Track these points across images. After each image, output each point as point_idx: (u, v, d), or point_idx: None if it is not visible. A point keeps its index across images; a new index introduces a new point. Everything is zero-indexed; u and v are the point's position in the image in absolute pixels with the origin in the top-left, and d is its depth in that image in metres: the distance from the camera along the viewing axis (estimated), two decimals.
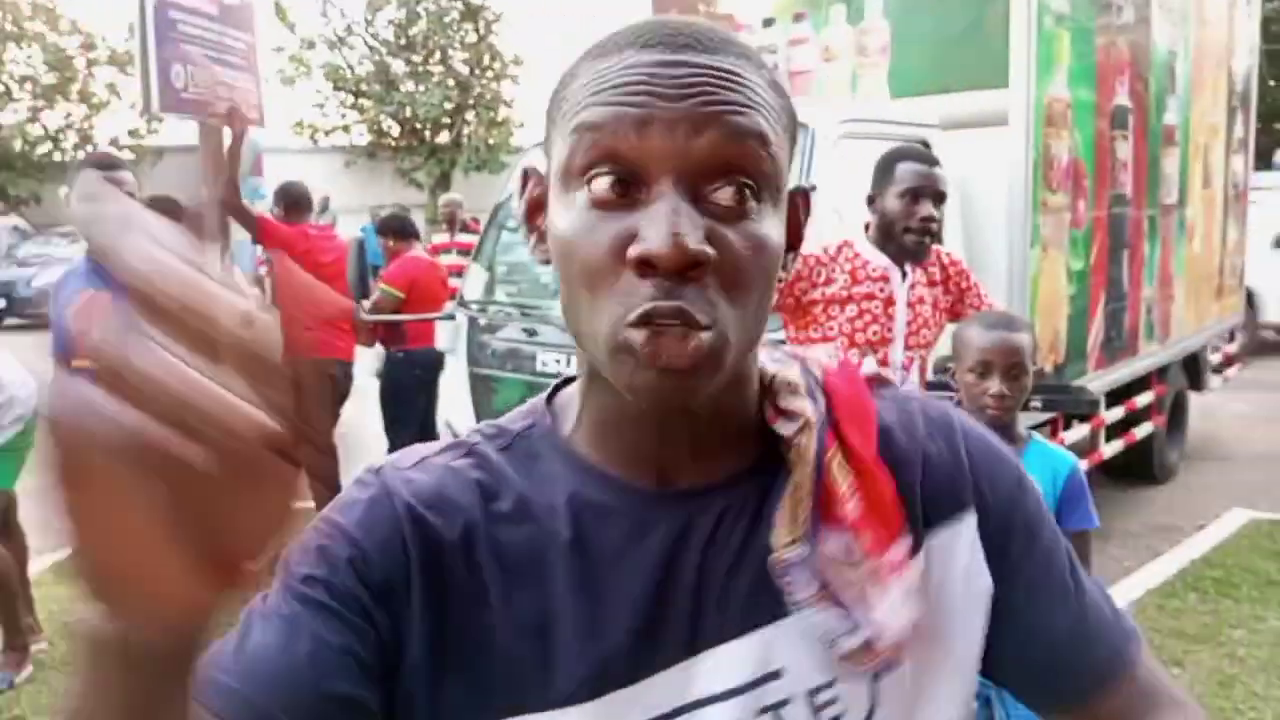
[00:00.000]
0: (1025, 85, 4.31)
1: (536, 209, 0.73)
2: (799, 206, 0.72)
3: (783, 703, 0.69)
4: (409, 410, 5.58)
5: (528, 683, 0.68)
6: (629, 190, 0.63)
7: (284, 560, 0.68)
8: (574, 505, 0.71)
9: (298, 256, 5.08)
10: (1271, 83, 19.19)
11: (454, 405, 4.54)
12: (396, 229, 5.77)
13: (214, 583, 0.41)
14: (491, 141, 22.94)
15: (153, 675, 0.44)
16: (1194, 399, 7.06)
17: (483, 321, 4.43)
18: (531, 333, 4.15)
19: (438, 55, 23.11)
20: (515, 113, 24.05)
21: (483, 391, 4.36)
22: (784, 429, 0.72)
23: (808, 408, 0.72)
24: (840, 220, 3.38)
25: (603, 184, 0.63)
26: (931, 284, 3.00)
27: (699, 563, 0.70)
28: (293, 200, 5.23)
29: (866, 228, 2.96)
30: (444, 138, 23.20)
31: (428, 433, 5.68)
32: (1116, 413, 5.59)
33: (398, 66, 22.97)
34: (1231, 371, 7.92)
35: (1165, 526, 5.45)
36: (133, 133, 22.07)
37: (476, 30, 23.23)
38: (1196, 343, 6.86)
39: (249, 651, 0.65)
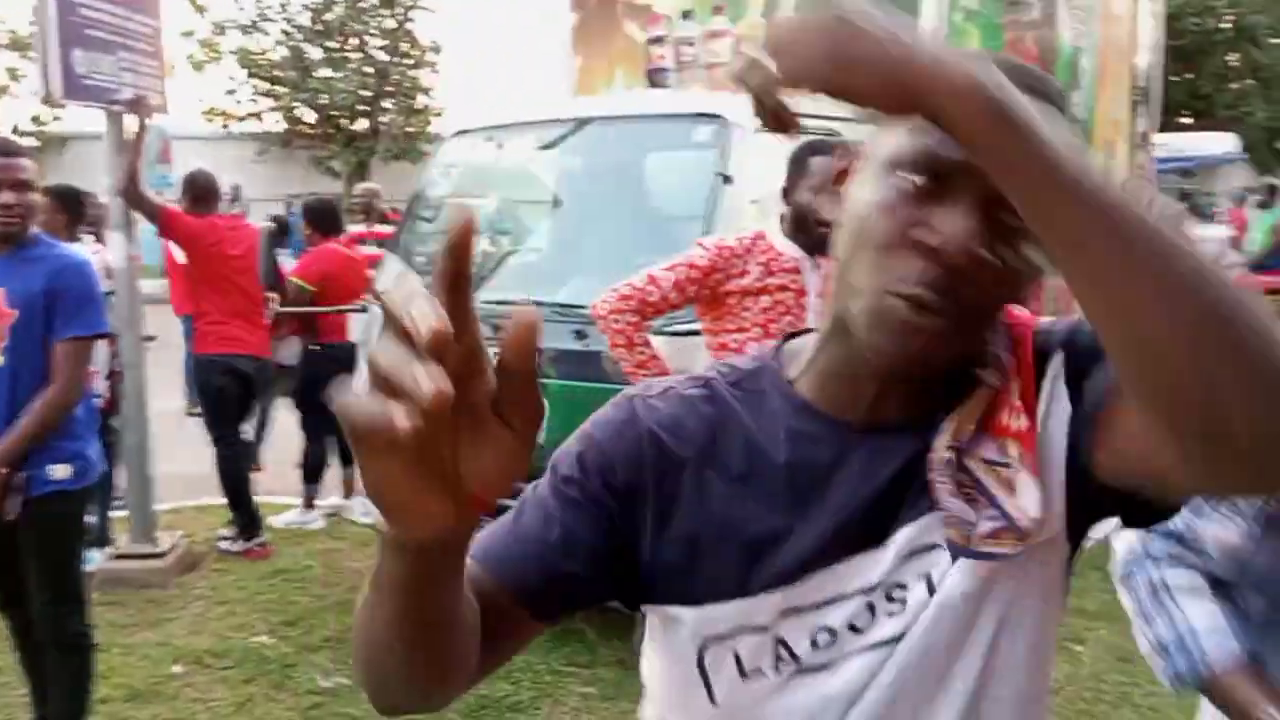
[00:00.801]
0: None
1: (842, 175, 0.86)
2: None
3: (935, 566, 0.83)
4: (325, 404, 5.47)
5: (742, 573, 0.84)
6: (935, 191, 0.76)
7: (553, 460, 0.91)
8: (790, 433, 0.87)
9: (205, 248, 4.95)
10: (1174, 78, 19.89)
11: None
12: (323, 222, 5.58)
13: (463, 512, 0.60)
14: (410, 130, 22.62)
15: (426, 566, 0.65)
16: None
17: None
18: None
19: (355, 42, 22.69)
20: (434, 101, 23.76)
21: None
22: (992, 378, 0.84)
23: (1003, 356, 0.85)
24: (761, 213, 3.42)
25: (915, 178, 0.77)
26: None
27: (895, 484, 0.84)
28: (199, 190, 5.08)
29: (781, 220, 2.99)
30: (361, 126, 22.80)
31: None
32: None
33: (313, 53, 22.50)
34: None
35: None
36: (35, 119, 21.25)
37: (394, 17, 22.85)
38: None
39: (517, 528, 0.87)
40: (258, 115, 22.70)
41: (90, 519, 4.24)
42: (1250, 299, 0.61)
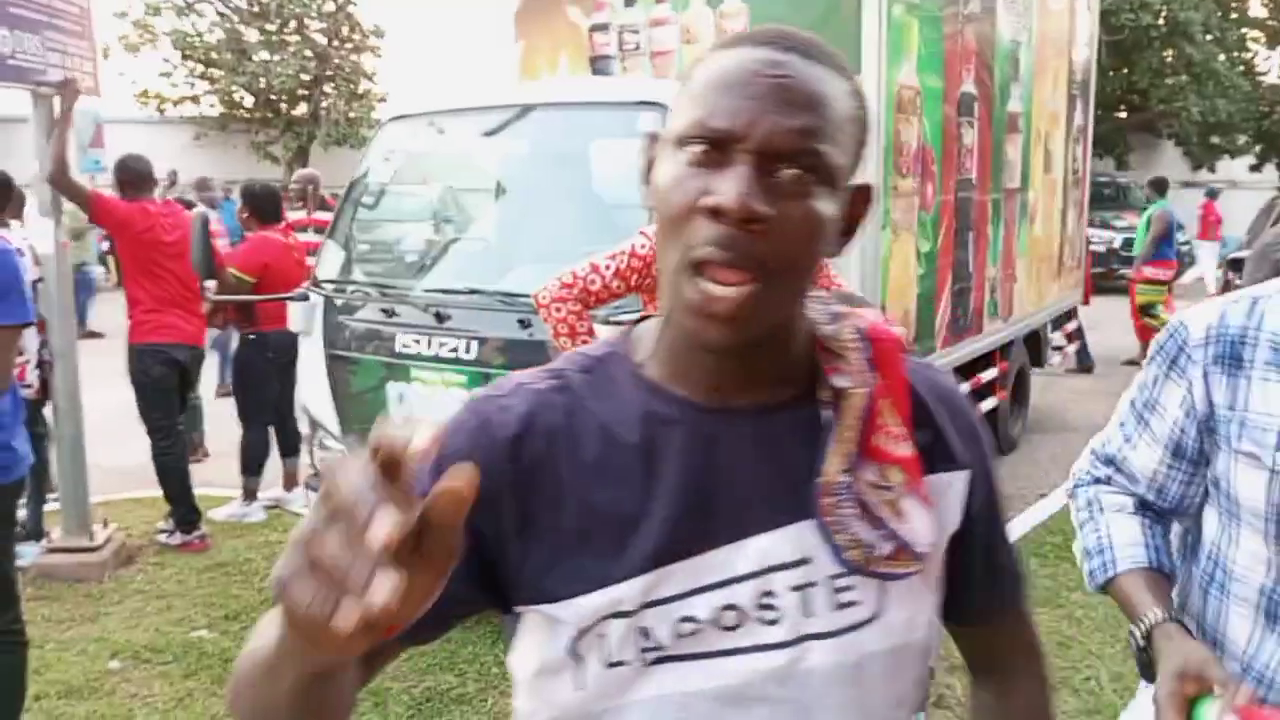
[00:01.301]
0: (876, 71, 4.45)
1: (651, 167, 0.87)
2: (860, 201, 0.87)
3: (810, 584, 0.85)
4: (262, 394, 5.39)
5: (607, 562, 0.84)
6: (716, 156, 0.79)
7: None
8: (644, 417, 0.87)
9: (138, 234, 4.83)
10: (1110, 73, 20.29)
11: (311, 388, 4.41)
12: (262, 209, 5.46)
13: (369, 639, 0.55)
14: (352, 115, 22.29)
15: (323, 668, 0.67)
16: (1035, 374, 7.44)
17: (339, 302, 4.31)
18: (390, 313, 4.06)
19: (293, 24, 22.28)
20: (376, 86, 23.44)
21: (340, 373, 4.24)
22: (839, 381, 0.88)
23: (863, 366, 0.89)
24: None
25: (697, 150, 0.79)
26: None
27: (748, 466, 0.86)
28: (131, 176, 4.95)
29: None
30: (301, 110, 22.42)
31: (283, 417, 5.52)
32: (963, 388, 5.84)
33: (251, 35, 22.05)
34: (1070, 348, 8.38)
35: (1008, 495, 5.65)
36: None
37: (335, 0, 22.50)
38: (1038, 321, 7.23)
39: None
40: (194, 99, 22.22)
41: (22, 512, 4.14)
42: None
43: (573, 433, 0.87)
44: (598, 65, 4.97)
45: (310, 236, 8.35)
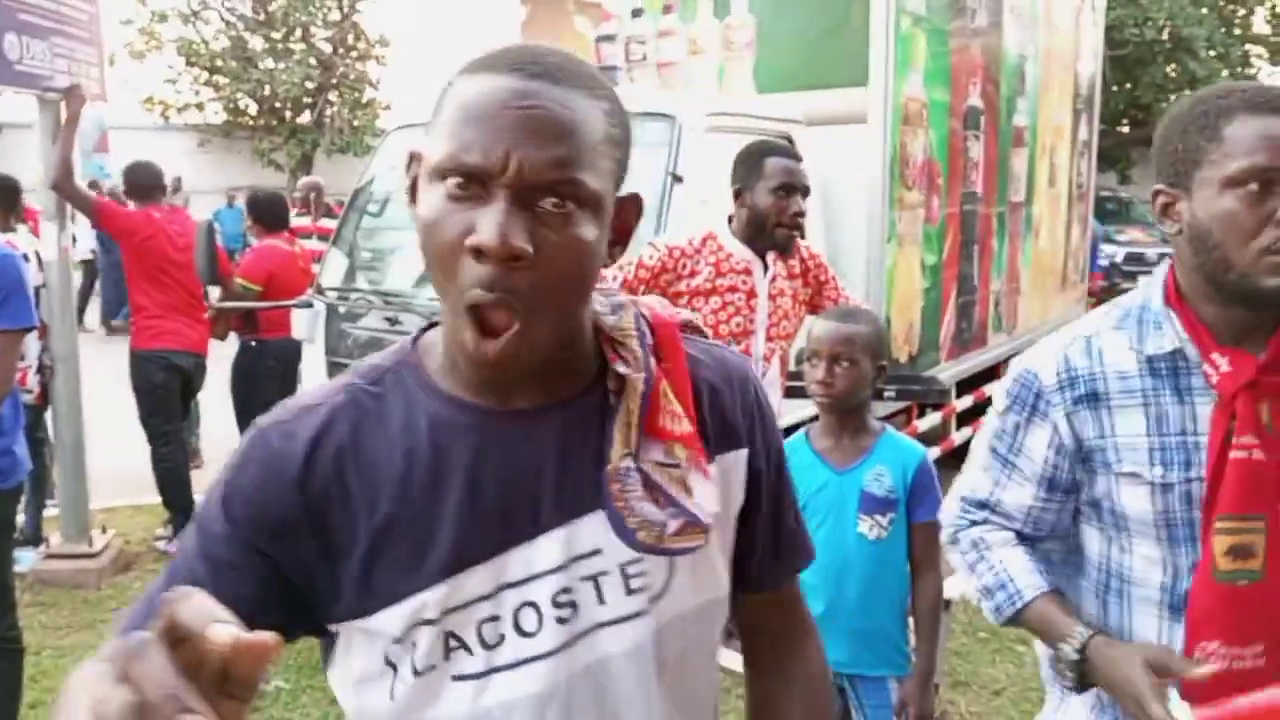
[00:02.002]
0: (883, 84, 4.44)
1: (415, 187, 0.87)
2: (629, 210, 0.90)
3: (602, 573, 0.88)
4: (262, 402, 5.36)
5: (407, 573, 0.85)
6: (475, 190, 0.79)
7: (197, 518, 0.87)
8: (433, 425, 0.87)
9: (143, 241, 4.82)
10: (1114, 88, 20.33)
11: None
12: (268, 217, 5.45)
13: None
14: (356, 123, 22.34)
15: None
16: None
17: (342, 309, 4.29)
18: (394, 321, 4.05)
19: (299, 32, 22.34)
20: (380, 94, 23.49)
21: None
22: (621, 368, 0.91)
23: (638, 351, 0.92)
24: (710, 211, 3.41)
25: (454, 184, 0.80)
26: (792, 277, 3.06)
27: (539, 463, 0.88)
28: (139, 182, 4.95)
29: (730, 220, 2.99)
30: (305, 118, 22.46)
31: None
32: (966, 401, 5.83)
33: (255, 43, 22.12)
34: None
35: None
36: None
37: (340, 8, 22.55)
38: (1042, 334, 7.19)
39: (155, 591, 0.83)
40: (198, 105, 22.28)
41: (21, 518, 4.12)
42: None
43: (360, 446, 0.87)
44: (606, 76, 4.97)
45: (314, 244, 8.34)
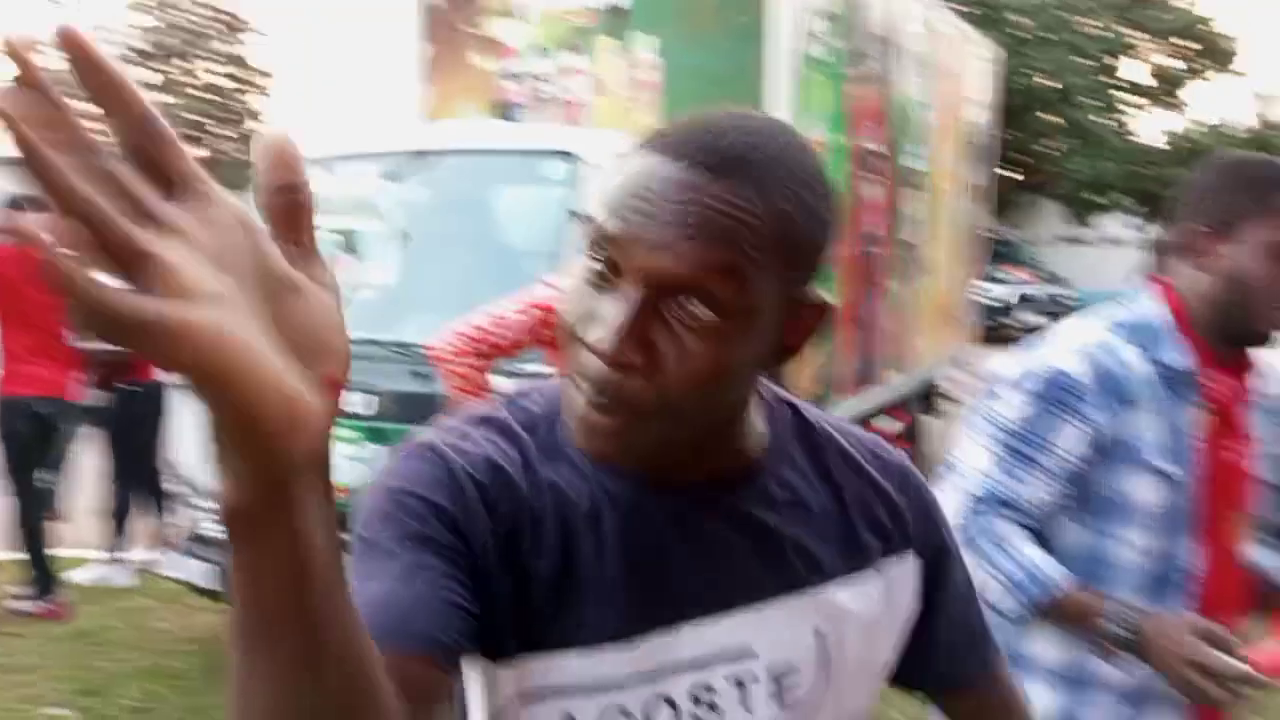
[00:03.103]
0: None
1: None
2: (814, 318, 0.79)
3: (753, 677, 0.82)
4: (135, 446, 5.07)
5: (553, 625, 0.78)
6: (609, 276, 0.73)
7: (365, 531, 0.76)
8: (589, 486, 0.80)
9: (16, 282, 4.50)
10: (1007, 137, 21.13)
11: (184, 443, 4.14)
12: None
13: (319, 394, 0.46)
14: (247, 158, 21.81)
15: (291, 519, 0.48)
16: (931, 423, 7.51)
17: None
18: None
19: (196, 63, 21.76)
20: (264, 127, 23.03)
21: None
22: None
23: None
24: None
25: (591, 264, 0.74)
26: None
27: (688, 548, 0.81)
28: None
29: None
30: (195, 153, 21.87)
31: (153, 472, 5.18)
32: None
33: (145, 74, 21.45)
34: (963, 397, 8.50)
35: None
36: None
37: (227, 41, 22.06)
38: (934, 372, 7.32)
39: (392, 597, 0.71)
40: None
41: None
42: None
43: (527, 488, 0.80)
44: (508, 112, 4.87)
45: None
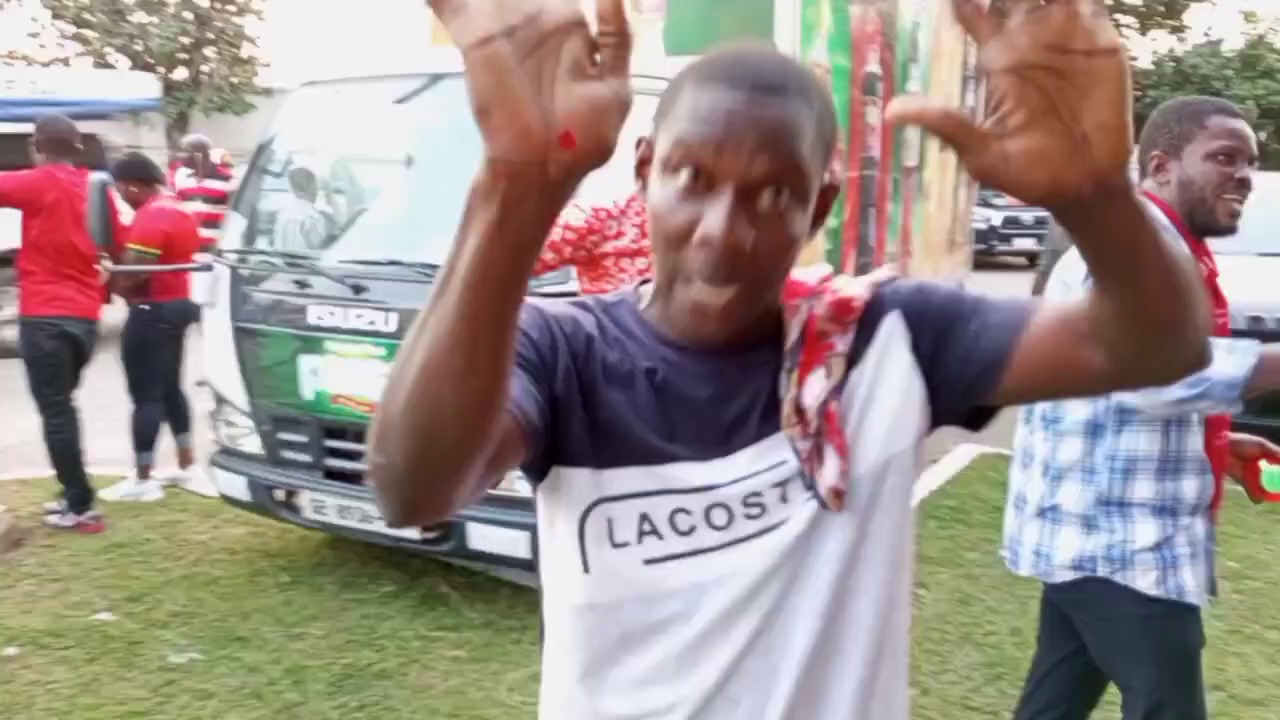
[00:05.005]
0: (790, 50, 4.50)
1: (644, 164, 1.02)
2: (829, 196, 1.01)
3: (788, 480, 1.01)
4: (155, 367, 5.19)
5: (619, 448, 1.00)
6: (703, 185, 0.93)
7: None
8: (647, 351, 1.03)
9: (49, 205, 4.56)
10: None
11: (217, 361, 4.27)
12: (140, 173, 5.23)
13: (551, 142, 0.65)
14: (235, 81, 21.50)
15: (513, 216, 0.67)
16: None
17: (245, 273, 4.18)
18: (303, 284, 3.96)
19: None
20: (260, 51, 22.64)
21: (249, 346, 4.12)
22: (790, 318, 1.05)
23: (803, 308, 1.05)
24: (614, 174, 3.43)
25: (685, 178, 0.93)
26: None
27: (728, 396, 1.02)
28: (50, 138, 4.67)
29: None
30: (180, 75, 21.50)
31: (173, 391, 5.32)
32: None
33: None
34: None
35: None
36: None
37: None
38: None
39: None
40: (64, 61, 21.08)
41: None
42: (1193, 271, 0.85)
43: (599, 341, 1.04)
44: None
45: (200, 205, 8.02)
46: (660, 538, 1.00)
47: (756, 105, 0.92)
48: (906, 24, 6.21)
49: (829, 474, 0.99)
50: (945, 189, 7.61)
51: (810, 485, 1.00)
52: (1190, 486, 2.10)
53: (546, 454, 1.00)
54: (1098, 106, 0.69)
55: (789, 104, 0.93)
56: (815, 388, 1.01)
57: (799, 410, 1.00)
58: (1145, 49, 25.33)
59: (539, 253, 0.71)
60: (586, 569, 1.02)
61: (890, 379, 1.03)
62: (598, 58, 0.66)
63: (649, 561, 1.00)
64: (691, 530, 1.00)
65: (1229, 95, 20.56)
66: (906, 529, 1.07)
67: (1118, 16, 23.89)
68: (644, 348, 1.04)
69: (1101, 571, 2.09)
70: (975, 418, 1.07)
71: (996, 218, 16.49)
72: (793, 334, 1.03)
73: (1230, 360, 1.92)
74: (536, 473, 1.02)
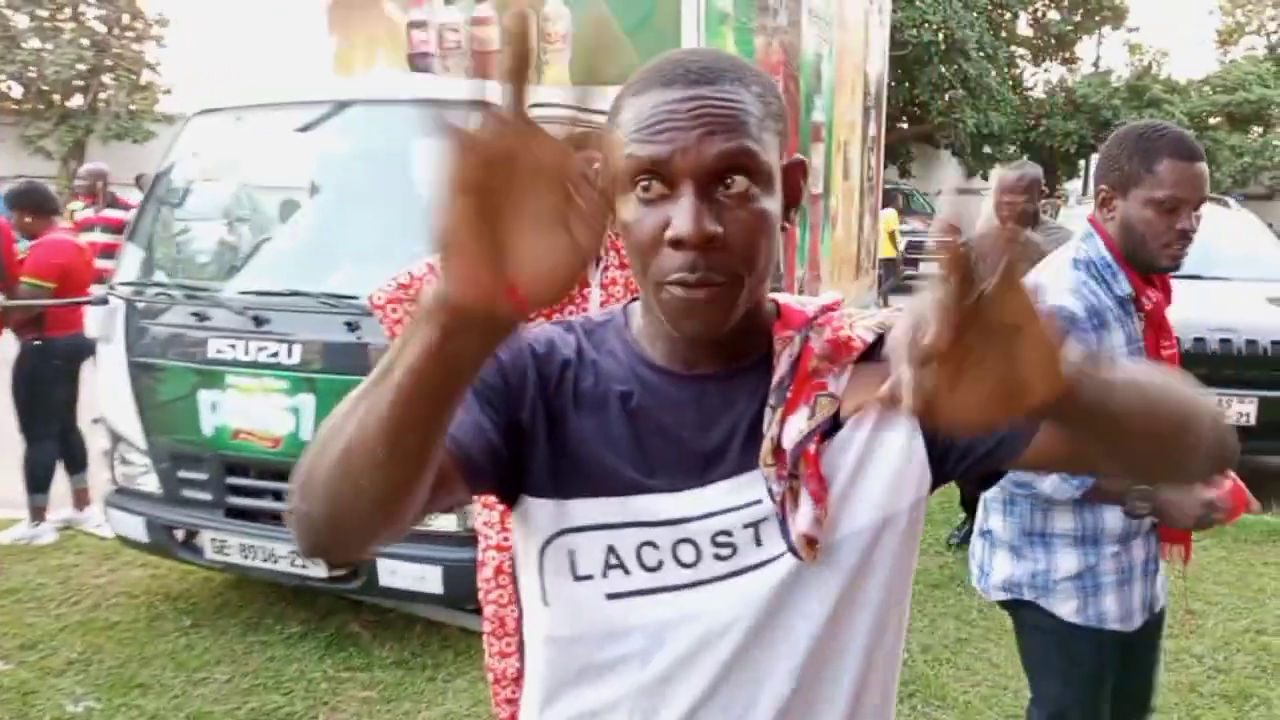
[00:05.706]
0: None
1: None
2: (797, 173, 1.00)
3: (761, 521, 0.97)
4: (48, 404, 5.00)
5: (585, 478, 0.98)
6: (662, 189, 0.92)
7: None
8: (631, 374, 1.01)
9: None
10: (893, 85, 21.55)
11: (112, 397, 4.12)
12: (36, 203, 5.06)
13: (499, 293, 0.66)
14: (134, 108, 20.94)
15: (450, 345, 0.69)
16: None
17: (142, 305, 4.05)
18: (202, 316, 3.85)
19: (69, 11, 20.70)
20: (160, 77, 22.13)
21: (146, 382, 3.99)
22: (779, 344, 1.01)
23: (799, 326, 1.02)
24: None
25: (642, 186, 0.92)
26: (622, 266, 3.12)
27: (708, 423, 0.99)
28: None
29: None
30: (77, 102, 20.88)
31: (68, 429, 5.13)
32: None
33: (20, 20, 20.35)
34: None
35: None
36: None
37: None
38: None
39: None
40: None
41: None
42: (1182, 392, 0.88)
43: (579, 367, 1.02)
44: (416, 63, 4.87)
45: (98, 236, 7.76)
46: (626, 572, 0.97)
47: (694, 97, 0.91)
48: (810, 55, 6.34)
49: (802, 520, 0.95)
50: (851, 216, 7.78)
51: (786, 532, 0.95)
52: (1113, 516, 2.09)
53: (511, 483, 0.99)
54: (1027, 361, 0.70)
55: (726, 89, 0.92)
56: (796, 427, 0.97)
57: (778, 450, 0.96)
58: (1039, 80, 26.32)
59: (475, 376, 0.74)
60: (546, 601, 1.00)
61: (889, 440, 0.98)
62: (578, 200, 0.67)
63: (612, 596, 0.98)
64: (659, 565, 0.97)
65: (1118, 124, 21.47)
66: (900, 589, 1.02)
67: (1013, 48, 24.79)
68: (623, 368, 1.02)
69: (1028, 596, 2.16)
70: (987, 480, 1.06)
71: (901, 244, 16.87)
72: (781, 367, 0.99)
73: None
74: (508, 501, 1.02)
